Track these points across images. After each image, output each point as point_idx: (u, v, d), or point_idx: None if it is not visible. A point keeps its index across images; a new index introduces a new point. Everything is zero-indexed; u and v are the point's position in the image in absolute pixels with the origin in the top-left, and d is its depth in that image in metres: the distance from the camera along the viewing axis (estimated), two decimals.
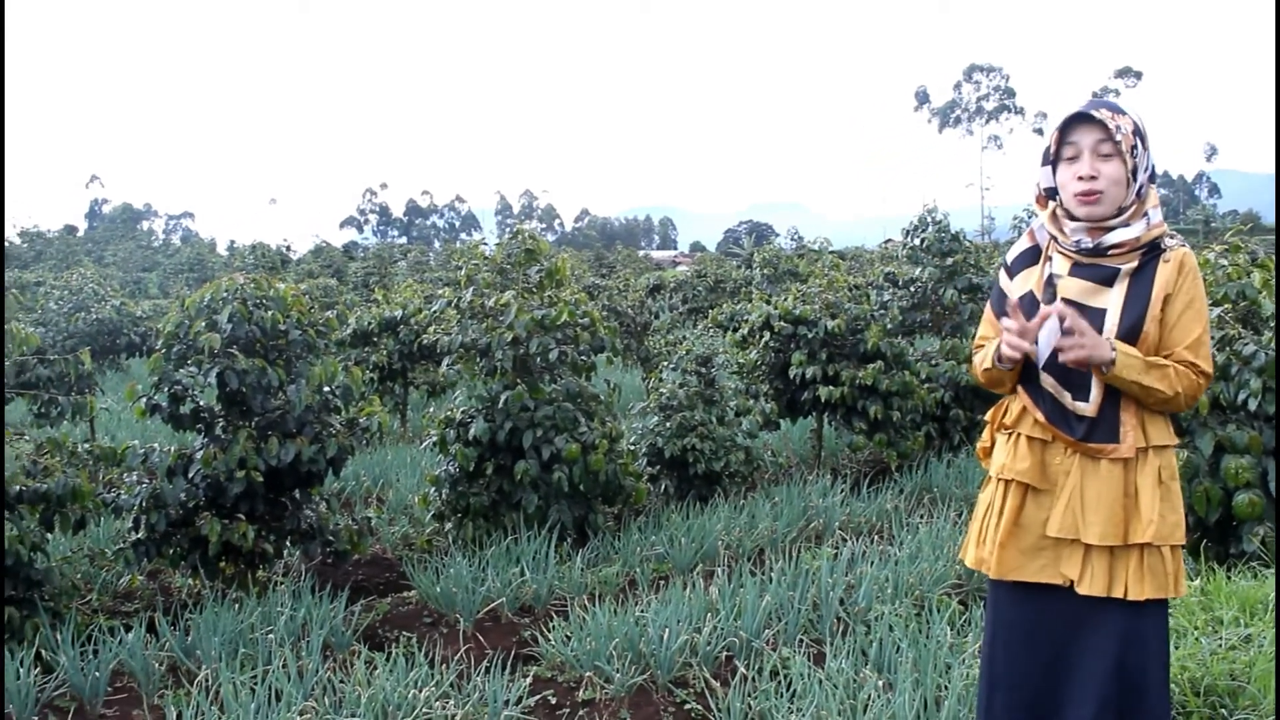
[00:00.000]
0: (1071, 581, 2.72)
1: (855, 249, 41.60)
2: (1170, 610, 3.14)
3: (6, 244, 56.90)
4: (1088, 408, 2.69)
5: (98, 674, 4.59)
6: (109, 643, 4.80)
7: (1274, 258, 5.99)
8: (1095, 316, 2.69)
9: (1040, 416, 2.76)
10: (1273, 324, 5.75)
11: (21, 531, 5.13)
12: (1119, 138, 2.67)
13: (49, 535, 5.59)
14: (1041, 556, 2.77)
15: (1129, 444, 2.68)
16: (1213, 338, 5.59)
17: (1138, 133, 2.71)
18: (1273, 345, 5.58)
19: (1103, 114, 2.69)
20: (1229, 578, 4.88)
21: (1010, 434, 2.86)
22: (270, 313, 5.98)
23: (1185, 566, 3.68)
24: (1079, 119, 2.73)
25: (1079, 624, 2.74)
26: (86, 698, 4.55)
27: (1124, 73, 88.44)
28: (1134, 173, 2.70)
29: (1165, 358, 2.67)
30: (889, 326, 9.60)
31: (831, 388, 8.91)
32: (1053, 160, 2.81)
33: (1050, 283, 2.78)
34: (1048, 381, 2.75)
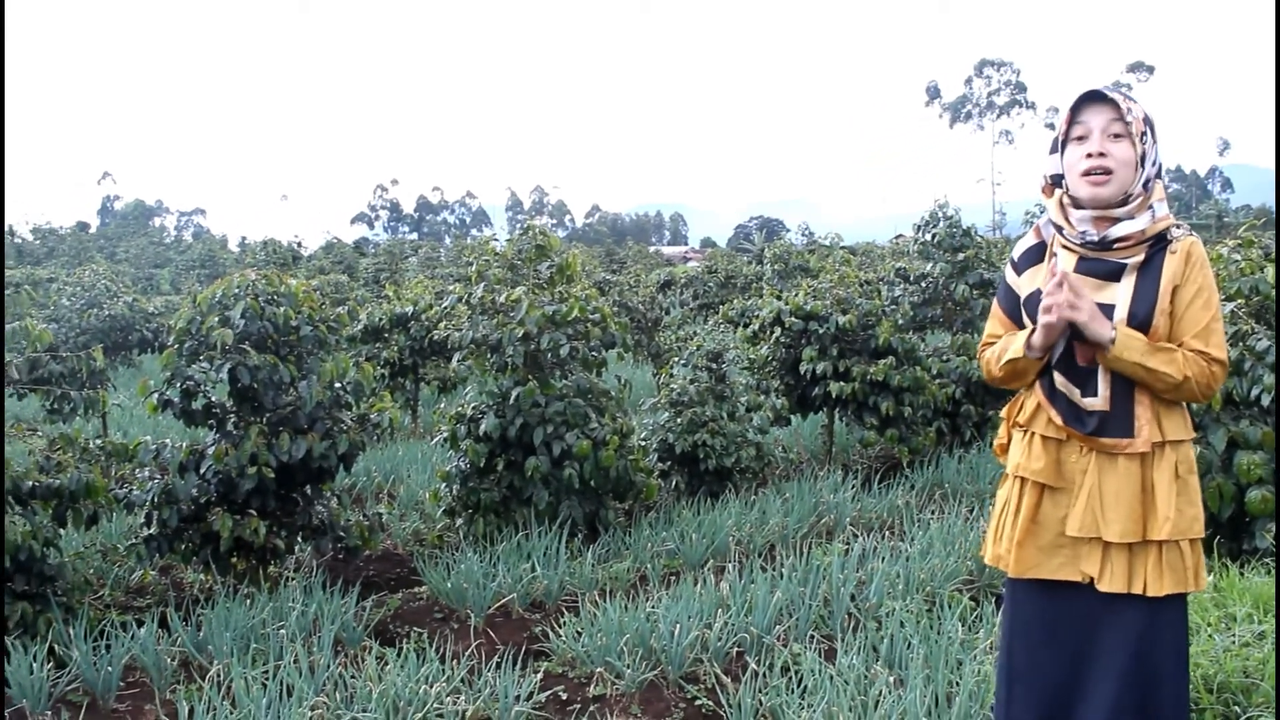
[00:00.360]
0: (1091, 578, 2.70)
1: (866, 244, 41.55)
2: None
3: (20, 240, 57.12)
4: (1097, 402, 2.67)
5: (110, 669, 4.60)
6: (121, 638, 4.82)
7: (1276, 254, 5.95)
8: (1103, 312, 2.66)
9: (1057, 418, 2.73)
10: None
11: (34, 527, 5.15)
12: (1130, 119, 2.66)
13: (62, 530, 5.61)
14: (1059, 554, 2.75)
15: (1144, 438, 2.65)
16: (1226, 332, 5.56)
17: (1147, 121, 2.70)
18: None
19: (1115, 95, 2.68)
20: (1242, 574, 4.85)
21: (1025, 432, 2.84)
22: (282, 309, 5.99)
23: None
24: (1091, 98, 2.71)
25: (1098, 620, 2.72)
26: (99, 692, 4.57)
27: (1136, 67, 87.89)
28: (1142, 159, 2.68)
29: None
30: (900, 322, 9.59)
31: (843, 383, 8.90)
32: (1061, 143, 2.79)
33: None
34: (1059, 380, 2.73)
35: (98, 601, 6.04)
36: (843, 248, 28.26)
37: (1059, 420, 2.73)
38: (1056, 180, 2.83)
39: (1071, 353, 2.70)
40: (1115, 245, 2.69)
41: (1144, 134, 2.68)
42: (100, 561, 6.68)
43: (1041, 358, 2.75)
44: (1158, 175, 2.74)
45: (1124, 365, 2.61)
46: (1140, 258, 2.67)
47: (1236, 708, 3.59)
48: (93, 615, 5.35)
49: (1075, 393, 2.70)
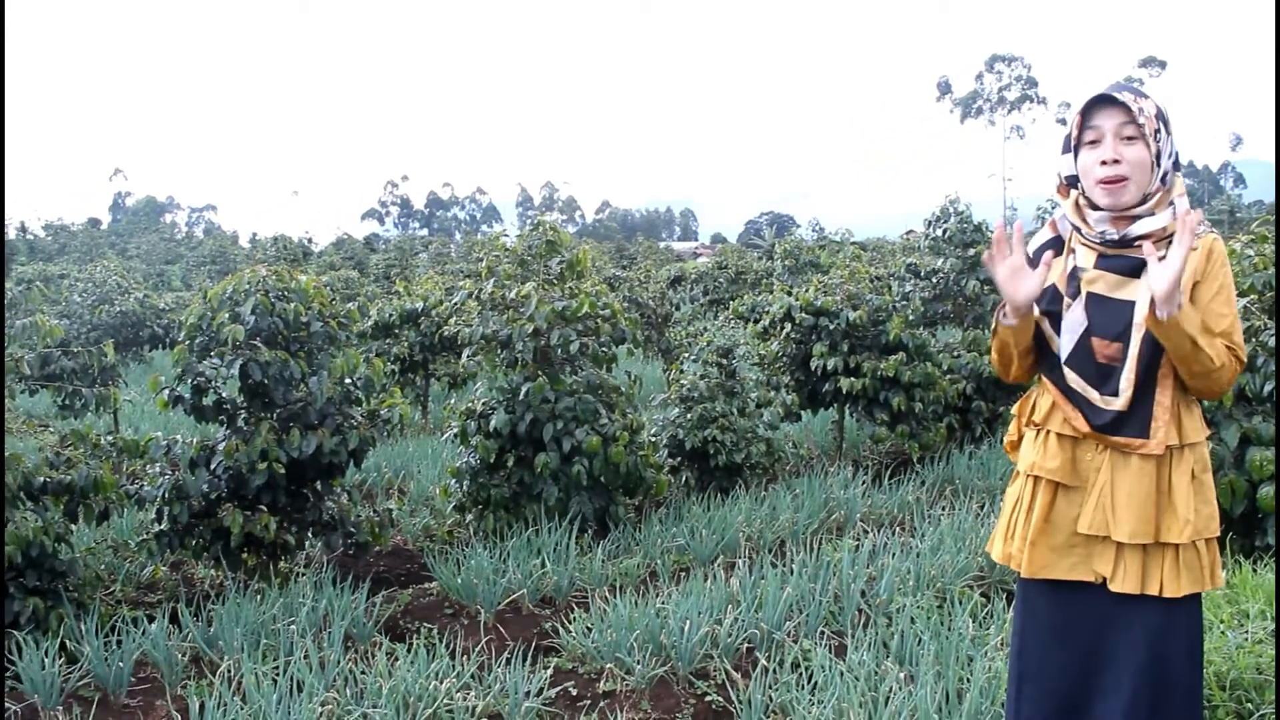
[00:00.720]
0: (1104, 578, 2.68)
1: (877, 240, 41.49)
2: None
3: (32, 237, 57.37)
4: (1117, 402, 2.63)
5: (121, 664, 4.61)
6: (132, 633, 4.83)
7: (1275, 249, 5.91)
8: (1123, 309, 2.63)
9: (1080, 421, 2.69)
10: None
11: (46, 523, 5.17)
12: (1142, 120, 2.61)
13: (73, 526, 5.62)
14: (1073, 554, 2.72)
15: (1159, 439, 2.61)
16: None
17: (1160, 117, 2.64)
18: None
19: (1125, 96, 2.63)
20: (1255, 571, 4.83)
21: (1039, 431, 2.81)
22: (292, 305, 6.00)
23: None
24: (1101, 101, 2.66)
25: (1111, 619, 2.70)
26: (110, 688, 4.58)
27: (1148, 62, 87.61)
28: (1157, 158, 2.63)
29: None
30: (911, 318, 9.55)
31: (853, 379, 8.88)
32: (1074, 146, 2.75)
33: (1075, 276, 2.73)
34: (1073, 379, 2.70)
35: (109, 597, 6.05)
36: (853, 243, 28.17)
37: (1083, 424, 2.69)
38: (1072, 181, 2.79)
39: (1088, 350, 2.67)
40: (1136, 242, 2.65)
41: (1157, 131, 2.63)
42: (111, 557, 6.70)
43: (1016, 323, 2.73)
44: (1175, 167, 2.70)
45: (1177, 334, 2.51)
46: (1161, 254, 2.64)
47: (1249, 704, 3.57)
48: (104, 611, 5.36)
49: (1093, 393, 2.67)
